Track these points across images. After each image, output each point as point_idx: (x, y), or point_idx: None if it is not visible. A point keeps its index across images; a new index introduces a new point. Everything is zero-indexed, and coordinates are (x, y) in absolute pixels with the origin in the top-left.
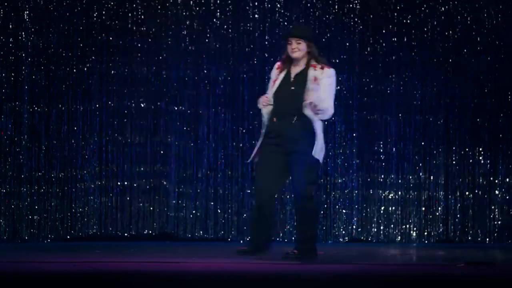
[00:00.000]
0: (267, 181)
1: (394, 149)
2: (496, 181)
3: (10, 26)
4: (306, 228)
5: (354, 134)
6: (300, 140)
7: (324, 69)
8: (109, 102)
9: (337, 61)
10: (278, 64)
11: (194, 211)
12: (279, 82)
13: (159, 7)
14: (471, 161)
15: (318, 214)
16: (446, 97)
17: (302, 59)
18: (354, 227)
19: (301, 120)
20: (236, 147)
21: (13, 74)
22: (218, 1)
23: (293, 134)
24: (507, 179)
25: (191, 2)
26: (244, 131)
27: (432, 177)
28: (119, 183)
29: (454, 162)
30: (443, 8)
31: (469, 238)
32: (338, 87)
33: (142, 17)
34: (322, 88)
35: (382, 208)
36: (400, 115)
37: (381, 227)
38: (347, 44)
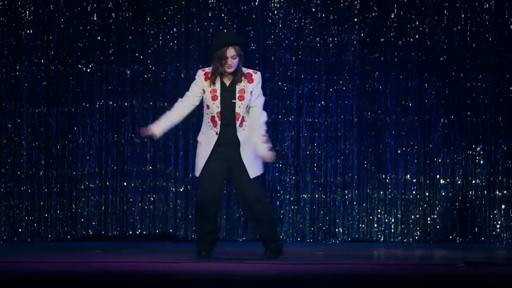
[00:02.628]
0: None
1: (394, 149)
2: (497, 181)
3: (10, 26)
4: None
5: (354, 134)
6: None
7: None
8: (109, 102)
9: (337, 60)
10: None
11: (194, 211)
12: None
13: (159, 7)
14: (471, 161)
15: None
16: (446, 97)
17: None
18: (354, 227)
19: None
20: None
21: (13, 74)
22: (219, 2)
23: None
24: (507, 179)
25: (191, 2)
26: None
27: (432, 177)
28: (119, 183)
29: (454, 162)
30: (443, 8)
31: (469, 238)
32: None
33: (143, 17)
34: None
35: (382, 208)
36: (400, 115)
37: (381, 227)
38: (347, 44)
